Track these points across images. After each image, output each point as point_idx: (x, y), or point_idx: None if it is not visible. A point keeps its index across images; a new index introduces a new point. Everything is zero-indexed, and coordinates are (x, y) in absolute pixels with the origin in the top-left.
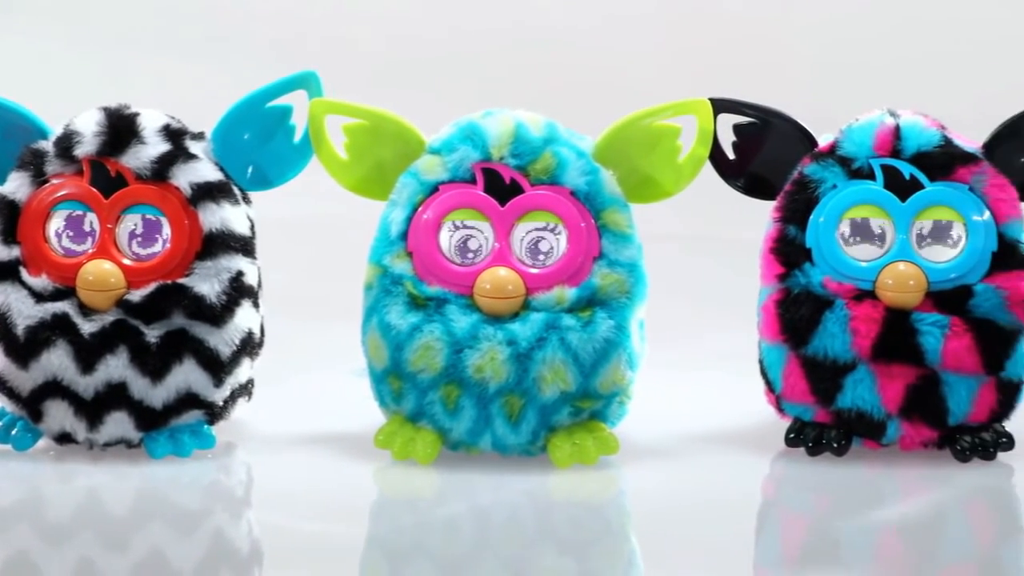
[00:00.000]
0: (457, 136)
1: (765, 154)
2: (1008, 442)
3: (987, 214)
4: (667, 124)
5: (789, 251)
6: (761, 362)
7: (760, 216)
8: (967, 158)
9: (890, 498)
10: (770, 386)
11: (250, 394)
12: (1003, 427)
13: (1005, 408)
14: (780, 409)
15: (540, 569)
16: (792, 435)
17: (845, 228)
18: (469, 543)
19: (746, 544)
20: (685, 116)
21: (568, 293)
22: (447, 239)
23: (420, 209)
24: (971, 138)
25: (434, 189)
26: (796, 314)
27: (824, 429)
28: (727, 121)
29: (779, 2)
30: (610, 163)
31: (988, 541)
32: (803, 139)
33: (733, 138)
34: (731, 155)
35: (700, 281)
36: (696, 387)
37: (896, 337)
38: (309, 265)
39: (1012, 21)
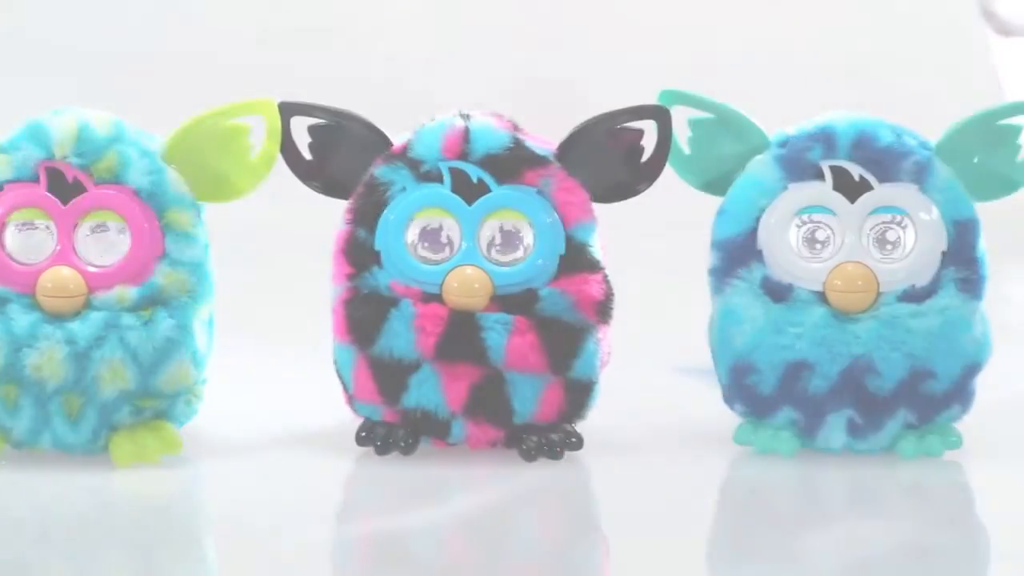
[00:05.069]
0: (22, 135)
1: (341, 156)
2: (577, 442)
3: (555, 217)
4: (236, 123)
5: (359, 253)
6: (335, 363)
7: None
8: (535, 161)
9: (457, 496)
10: (344, 386)
11: None
12: (572, 427)
13: (575, 408)
14: (353, 409)
15: (104, 568)
16: (362, 434)
17: (412, 231)
18: (31, 542)
19: (321, 544)
20: (253, 116)
21: (129, 292)
22: (12, 238)
23: None
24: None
25: None
26: (362, 314)
27: (392, 429)
28: (304, 123)
29: None
30: (180, 162)
31: (557, 540)
32: (377, 141)
33: (309, 139)
34: (308, 156)
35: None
36: (298, 386)
37: (460, 336)
38: None
39: None
